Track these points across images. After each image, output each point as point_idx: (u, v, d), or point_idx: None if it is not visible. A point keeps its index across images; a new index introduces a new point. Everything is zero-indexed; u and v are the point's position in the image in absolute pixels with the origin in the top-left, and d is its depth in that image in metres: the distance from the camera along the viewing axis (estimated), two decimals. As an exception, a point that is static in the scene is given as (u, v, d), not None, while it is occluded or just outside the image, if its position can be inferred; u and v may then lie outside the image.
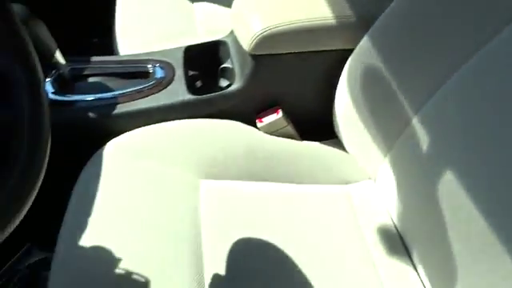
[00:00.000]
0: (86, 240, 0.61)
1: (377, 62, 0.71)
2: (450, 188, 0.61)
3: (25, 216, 0.95)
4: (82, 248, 0.60)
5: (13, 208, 0.41)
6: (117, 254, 0.59)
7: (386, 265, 0.67)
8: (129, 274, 0.57)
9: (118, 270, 0.58)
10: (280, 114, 0.77)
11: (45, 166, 0.46)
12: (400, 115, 0.68)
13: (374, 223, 0.72)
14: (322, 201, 0.74)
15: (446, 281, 0.62)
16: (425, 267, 0.66)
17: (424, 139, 0.65)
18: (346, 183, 0.78)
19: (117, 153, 0.71)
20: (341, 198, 0.75)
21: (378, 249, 0.69)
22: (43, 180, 0.72)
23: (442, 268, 0.63)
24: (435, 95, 0.64)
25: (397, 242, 0.70)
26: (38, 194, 0.83)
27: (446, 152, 0.62)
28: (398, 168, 0.72)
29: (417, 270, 0.68)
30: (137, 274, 0.57)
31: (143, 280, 0.57)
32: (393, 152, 0.72)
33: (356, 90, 0.73)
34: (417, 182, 0.68)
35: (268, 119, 0.77)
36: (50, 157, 0.58)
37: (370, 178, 0.79)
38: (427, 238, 0.66)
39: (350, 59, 0.74)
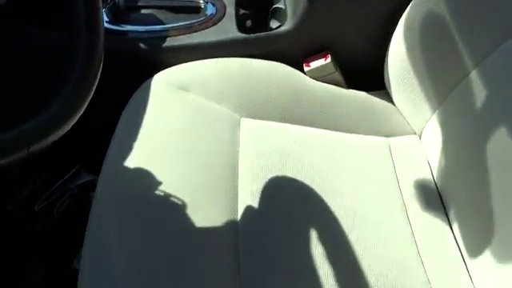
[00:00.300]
0: (130, 162, 0.64)
1: (440, 10, 0.66)
2: (500, 147, 0.59)
3: (75, 140, 1.01)
4: (126, 169, 0.63)
5: (65, 114, 0.44)
6: (157, 177, 0.62)
7: (419, 218, 0.67)
8: (166, 196, 0.60)
9: (157, 192, 0.60)
10: (329, 59, 0.75)
11: (95, 83, 0.49)
12: (458, 68, 0.64)
13: (412, 177, 0.71)
14: (361, 151, 0.73)
15: (480, 242, 0.60)
16: (460, 226, 0.65)
17: (480, 94, 0.62)
18: (389, 136, 0.76)
19: (164, 84, 0.72)
20: (381, 150, 0.74)
21: (414, 203, 0.68)
22: (93, 106, 0.75)
23: (479, 229, 0.61)
24: (499, 48, 0.60)
25: (434, 198, 0.69)
26: (87, 119, 0.88)
27: (501, 108, 0.59)
28: (447, 123, 0.69)
29: (451, 228, 0.66)
30: (174, 197, 0.60)
31: (179, 203, 0.60)
32: (443, 106, 0.69)
33: (413, 38, 0.70)
34: (465, 138, 0.65)
35: (316, 64, 0.76)
36: (100, 83, 0.61)
37: (415, 133, 0.77)
38: (468, 198, 0.64)
39: (410, 6, 0.70)
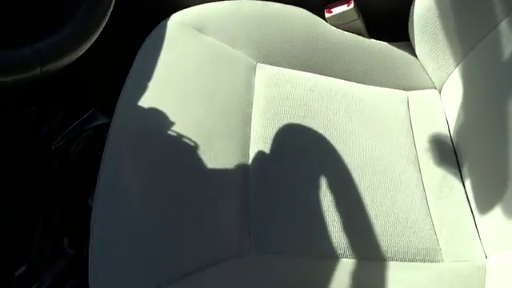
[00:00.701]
0: (144, 102, 0.64)
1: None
2: None
3: (91, 82, 1.01)
4: (140, 109, 0.64)
5: (79, 36, 0.44)
6: (171, 118, 0.62)
7: (431, 173, 0.66)
8: (179, 136, 0.60)
9: (169, 132, 0.61)
10: (352, 4, 0.72)
11: (110, 8, 0.48)
12: (488, 17, 0.61)
13: (428, 132, 0.70)
14: (378, 103, 0.72)
15: (491, 199, 0.60)
16: (473, 182, 0.64)
17: (509, 46, 0.59)
18: (408, 90, 0.75)
19: (181, 25, 0.71)
20: (399, 103, 0.72)
21: (427, 157, 0.67)
22: (109, 46, 0.74)
23: (491, 186, 0.61)
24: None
25: (448, 154, 0.68)
26: (104, 59, 0.87)
27: None
28: (470, 77, 0.67)
29: (463, 184, 0.66)
30: (186, 137, 0.60)
31: (192, 144, 0.60)
32: (468, 59, 0.67)
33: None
34: (488, 94, 0.63)
35: (338, 10, 0.73)
36: (116, 23, 0.60)
37: (435, 88, 0.75)
38: (483, 155, 0.63)
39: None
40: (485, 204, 0.61)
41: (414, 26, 0.71)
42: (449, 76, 0.71)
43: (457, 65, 0.69)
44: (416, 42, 0.73)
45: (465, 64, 0.68)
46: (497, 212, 0.58)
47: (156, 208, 0.55)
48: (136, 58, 0.69)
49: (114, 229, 0.54)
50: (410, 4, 0.72)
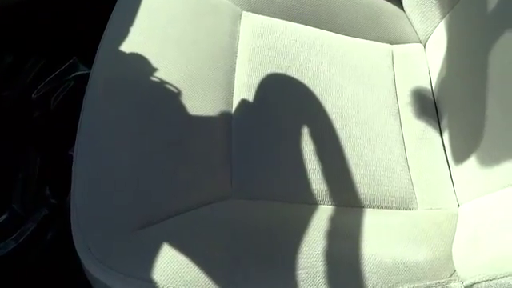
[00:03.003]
0: (126, 49, 0.62)
1: None
2: (504, 59, 0.58)
3: (72, 31, 0.98)
4: (121, 55, 0.62)
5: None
6: (153, 64, 0.61)
7: (411, 125, 0.67)
8: (162, 82, 0.60)
9: (151, 78, 0.60)
10: (339, -47, 0.71)
11: None
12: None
13: (411, 86, 0.71)
14: (363, 55, 0.72)
15: (467, 151, 0.62)
16: (451, 134, 0.66)
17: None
18: (393, 43, 0.75)
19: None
20: (383, 56, 0.73)
21: (408, 110, 0.69)
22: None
23: (468, 138, 0.62)
24: None
25: (429, 108, 0.69)
26: (86, 7, 0.84)
27: None
28: (455, 30, 0.67)
29: (442, 137, 0.67)
30: (169, 83, 0.60)
31: (174, 90, 0.60)
32: (453, 12, 0.67)
33: None
34: (471, 47, 0.64)
35: (325, -42, 0.72)
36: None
37: (419, 42, 0.75)
38: (462, 106, 0.64)
39: None
40: (460, 155, 0.63)
41: (402, -23, 0.71)
42: (434, 29, 0.71)
43: (442, 17, 0.69)
44: (403, -6, 0.72)
45: (450, 16, 0.68)
46: (471, 162, 0.60)
47: (138, 152, 0.55)
48: (117, 3, 0.67)
49: (96, 173, 0.54)
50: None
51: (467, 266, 0.52)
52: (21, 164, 0.82)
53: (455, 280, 0.56)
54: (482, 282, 0.48)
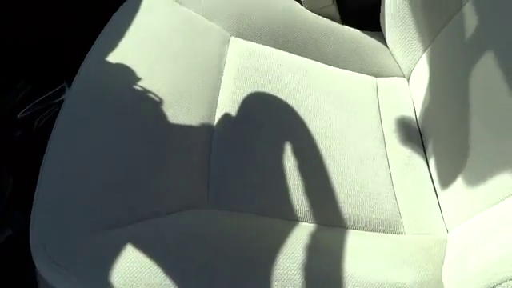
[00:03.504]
0: (111, 60, 0.63)
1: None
2: (484, 86, 0.58)
3: (62, 56, 0.99)
4: (106, 65, 0.62)
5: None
6: (137, 75, 0.61)
7: (397, 151, 0.66)
8: (145, 91, 0.59)
9: (136, 87, 0.60)
10: (326, -11, 0.74)
11: None
12: (452, 1, 0.64)
13: (395, 114, 0.71)
14: (348, 85, 0.73)
15: (452, 175, 0.60)
16: (436, 160, 0.65)
17: (471, 29, 0.61)
18: (378, 76, 0.76)
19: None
20: (368, 87, 0.74)
21: (393, 136, 0.68)
22: (84, 20, 0.73)
23: (453, 163, 0.61)
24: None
25: (414, 135, 0.69)
26: (74, 36, 0.86)
27: (490, 45, 0.59)
28: (436, 62, 0.68)
29: (427, 163, 0.66)
30: (152, 93, 0.59)
31: (157, 100, 0.59)
32: (434, 45, 0.69)
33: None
34: (452, 77, 0.65)
35: (313, -7, 0.75)
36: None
37: (403, 76, 0.77)
38: (448, 132, 0.64)
39: None
40: (447, 178, 0.61)
41: (385, 13, 0.73)
42: (416, 63, 0.73)
43: (424, 50, 0.71)
44: (387, 28, 0.75)
45: (431, 49, 0.70)
46: (458, 184, 0.58)
47: (110, 156, 0.53)
48: (109, 22, 0.69)
49: (63, 174, 0.51)
50: (382, -5, 0.75)
51: (457, 283, 0.48)
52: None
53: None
54: None
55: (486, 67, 0.58)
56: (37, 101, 0.88)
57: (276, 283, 0.46)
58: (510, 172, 0.51)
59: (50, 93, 0.90)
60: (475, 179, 0.55)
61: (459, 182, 0.58)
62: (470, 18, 0.62)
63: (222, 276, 0.46)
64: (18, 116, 0.86)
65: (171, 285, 0.44)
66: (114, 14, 0.70)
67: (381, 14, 0.76)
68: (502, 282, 0.40)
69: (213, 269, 0.46)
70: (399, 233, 0.59)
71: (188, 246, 0.48)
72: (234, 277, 0.46)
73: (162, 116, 0.58)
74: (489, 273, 0.42)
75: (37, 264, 0.47)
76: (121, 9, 0.71)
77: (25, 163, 0.84)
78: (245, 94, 0.64)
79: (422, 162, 0.66)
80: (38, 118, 0.88)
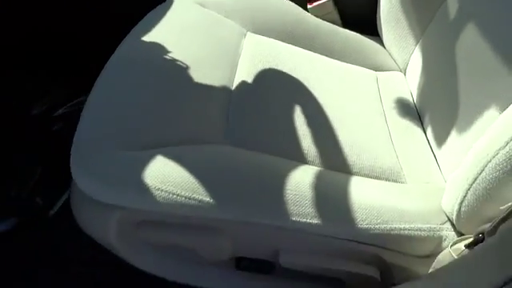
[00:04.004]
0: (145, 39, 0.72)
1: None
2: (470, 67, 0.67)
3: (84, 71, 1.10)
4: (140, 43, 0.72)
5: None
6: (168, 49, 0.71)
7: (396, 122, 0.73)
8: (174, 59, 0.69)
9: (165, 56, 0.70)
10: (329, -2, 0.87)
11: None
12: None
13: (394, 96, 0.79)
14: (350, 76, 0.82)
15: (446, 133, 0.67)
16: (432, 127, 0.71)
17: (455, 19, 0.71)
18: (377, 70, 0.85)
19: (184, 0, 0.84)
20: (369, 77, 0.83)
21: (393, 112, 0.76)
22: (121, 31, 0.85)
23: (446, 124, 0.67)
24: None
25: (412, 112, 0.76)
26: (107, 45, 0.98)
27: (474, 30, 0.68)
28: (427, 52, 0.78)
29: (425, 133, 0.73)
30: (180, 61, 0.69)
31: (184, 66, 0.68)
32: (425, 36, 0.79)
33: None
34: (442, 61, 0.73)
35: (318, 2, 0.87)
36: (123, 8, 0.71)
37: (400, 71, 0.86)
38: (440, 105, 0.71)
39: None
40: (441, 139, 0.67)
41: (381, 15, 0.85)
42: (411, 56, 0.83)
43: (417, 43, 0.81)
44: (383, 29, 0.86)
45: (423, 40, 0.80)
46: (450, 142, 0.65)
47: (147, 95, 0.61)
48: (144, 18, 0.81)
49: (102, 108, 0.59)
50: (377, 4, 0.87)
51: (453, 190, 0.52)
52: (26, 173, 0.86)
53: (447, 229, 0.55)
54: (467, 190, 0.49)
55: (469, 45, 0.67)
56: (74, 102, 0.99)
57: (288, 193, 0.52)
58: (488, 123, 0.58)
59: (83, 97, 1.01)
60: (463, 134, 0.61)
61: (451, 138, 0.64)
62: (453, 7, 0.72)
63: (242, 191, 0.52)
64: (56, 113, 0.96)
65: (196, 182, 0.49)
66: (148, 14, 0.82)
67: (377, 18, 0.87)
68: (488, 163, 0.45)
69: (231, 189, 0.52)
70: (401, 182, 0.64)
71: (206, 171, 0.54)
72: (249, 191, 0.52)
73: (187, 76, 0.67)
74: (477, 159, 0.47)
75: (75, 175, 0.53)
76: (151, 12, 0.83)
77: (55, 155, 0.92)
78: (259, 69, 0.73)
79: (419, 130, 0.73)
80: (74, 115, 0.98)
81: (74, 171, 0.54)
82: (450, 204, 0.53)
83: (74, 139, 0.57)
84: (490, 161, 0.45)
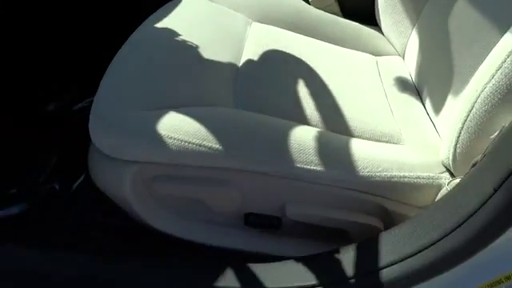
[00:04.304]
0: (157, 25, 0.78)
1: None
2: (463, 47, 0.71)
3: (98, 70, 1.16)
4: (153, 29, 0.78)
5: None
6: (179, 32, 0.76)
7: (395, 95, 0.77)
8: (184, 41, 0.74)
9: (177, 38, 0.75)
10: (329, -9, 0.93)
11: None
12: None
13: (393, 75, 0.83)
14: (351, 59, 0.86)
15: (442, 102, 0.70)
16: (430, 97, 0.75)
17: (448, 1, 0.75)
18: (377, 55, 0.90)
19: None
20: (369, 61, 0.87)
21: (393, 88, 0.79)
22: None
23: (441, 94, 0.71)
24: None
25: (410, 88, 0.80)
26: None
27: (466, 9, 0.72)
28: (424, 32, 0.82)
29: (424, 104, 0.76)
30: (190, 42, 0.74)
31: (194, 45, 0.73)
32: (420, 20, 0.83)
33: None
34: (437, 40, 0.77)
35: (318, -6, 0.94)
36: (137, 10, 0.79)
37: (399, 55, 0.90)
38: (437, 78, 0.75)
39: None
40: (439, 107, 0.70)
41: (378, 3, 0.90)
42: (408, 39, 0.87)
43: (413, 26, 0.86)
44: (381, 17, 0.91)
45: (419, 23, 0.84)
46: (448, 109, 0.68)
47: (157, 66, 0.66)
48: (159, 10, 0.87)
49: (121, 78, 0.64)
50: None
51: (448, 134, 0.55)
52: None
53: (446, 178, 0.57)
54: (461, 130, 0.51)
55: (460, 16, 0.71)
56: (88, 99, 1.04)
57: (291, 142, 0.55)
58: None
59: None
60: (458, 97, 0.65)
61: (448, 104, 0.68)
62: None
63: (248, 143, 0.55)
64: (73, 108, 1.01)
65: (206, 131, 0.53)
66: (162, 7, 0.88)
67: (375, 7, 0.92)
68: (477, 98, 0.48)
69: (242, 136, 0.55)
70: (401, 144, 0.67)
71: (217, 127, 0.58)
72: (256, 144, 0.55)
73: (197, 53, 0.72)
74: (465, 103, 0.50)
75: (92, 134, 0.57)
76: (161, 8, 0.89)
77: (71, 145, 0.97)
78: (264, 49, 0.78)
79: (419, 103, 0.76)
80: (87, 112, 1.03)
81: (91, 130, 0.58)
82: (446, 149, 0.56)
83: (93, 105, 0.61)
84: (479, 96, 0.48)
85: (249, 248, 0.61)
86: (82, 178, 0.90)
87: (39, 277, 0.55)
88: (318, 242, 0.62)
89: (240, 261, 0.56)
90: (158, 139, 0.53)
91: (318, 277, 0.51)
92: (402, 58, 0.90)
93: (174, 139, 0.53)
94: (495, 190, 0.39)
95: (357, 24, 0.94)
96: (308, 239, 0.62)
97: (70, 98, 1.05)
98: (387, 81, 0.82)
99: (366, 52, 0.90)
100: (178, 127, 0.54)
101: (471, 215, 0.40)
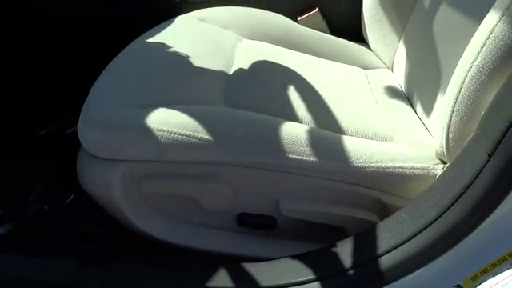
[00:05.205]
0: (149, 40, 0.80)
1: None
2: (446, 54, 0.72)
3: None
4: (145, 44, 0.79)
5: None
6: (170, 45, 0.78)
7: (386, 103, 0.77)
8: (175, 52, 0.75)
9: (168, 50, 0.76)
10: (317, 9, 0.95)
11: None
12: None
13: (383, 84, 0.84)
14: (341, 71, 0.88)
15: (432, 103, 0.70)
16: (420, 101, 0.75)
17: (431, 12, 0.78)
18: (366, 69, 0.91)
19: (186, 17, 0.93)
20: (358, 73, 0.88)
21: (383, 96, 0.80)
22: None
23: (431, 96, 0.71)
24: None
25: (400, 95, 0.80)
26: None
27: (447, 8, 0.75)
28: (410, 42, 0.84)
29: (415, 110, 0.76)
30: (181, 52, 0.75)
31: (184, 56, 0.74)
32: (406, 31, 0.85)
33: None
34: (423, 49, 0.79)
35: (307, 14, 0.96)
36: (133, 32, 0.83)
37: (387, 68, 0.92)
38: (424, 85, 0.76)
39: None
40: (429, 108, 0.70)
41: (365, 20, 0.93)
42: (395, 52, 0.89)
43: (399, 39, 0.88)
44: (368, 33, 0.93)
45: (404, 35, 0.86)
46: (437, 108, 0.68)
47: (146, 71, 0.67)
48: (142, 34, 0.89)
49: (111, 84, 0.64)
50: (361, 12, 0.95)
51: (440, 121, 0.54)
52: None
53: (440, 169, 0.56)
54: (451, 113, 0.51)
55: (443, 21, 0.73)
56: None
57: (283, 135, 0.54)
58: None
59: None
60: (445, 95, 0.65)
61: (438, 104, 0.68)
62: (429, 4, 0.80)
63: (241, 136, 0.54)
64: (65, 132, 1.01)
65: (196, 124, 0.52)
66: (157, 26, 0.90)
67: (362, 24, 0.95)
68: (465, 78, 0.47)
69: (233, 128, 0.55)
70: (393, 142, 0.66)
71: (211, 112, 0.57)
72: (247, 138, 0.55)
73: (188, 62, 0.72)
74: (454, 85, 0.50)
75: (80, 134, 0.56)
76: (154, 27, 0.92)
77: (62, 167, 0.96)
78: (254, 60, 0.79)
79: (410, 109, 0.76)
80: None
81: (79, 132, 0.57)
82: (439, 136, 0.55)
83: (82, 110, 0.61)
84: (467, 75, 0.48)
85: (244, 252, 0.59)
86: (71, 197, 0.88)
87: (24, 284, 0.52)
88: (314, 244, 0.59)
89: (235, 261, 0.53)
90: (147, 132, 0.52)
91: (315, 271, 0.49)
92: (390, 71, 0.91)
93: (164, 131, 0.52)
94: (490, 156, 0.38)
95: (345, 40, 0.96)
96: (304, 241, 0.59)
97: (61, 124, 1.05)
98: (377, 90, 0.83)
99: (355, 65, 0.92)
100: (167, 120, 0.53)
101: (468, 186, 0.39)
